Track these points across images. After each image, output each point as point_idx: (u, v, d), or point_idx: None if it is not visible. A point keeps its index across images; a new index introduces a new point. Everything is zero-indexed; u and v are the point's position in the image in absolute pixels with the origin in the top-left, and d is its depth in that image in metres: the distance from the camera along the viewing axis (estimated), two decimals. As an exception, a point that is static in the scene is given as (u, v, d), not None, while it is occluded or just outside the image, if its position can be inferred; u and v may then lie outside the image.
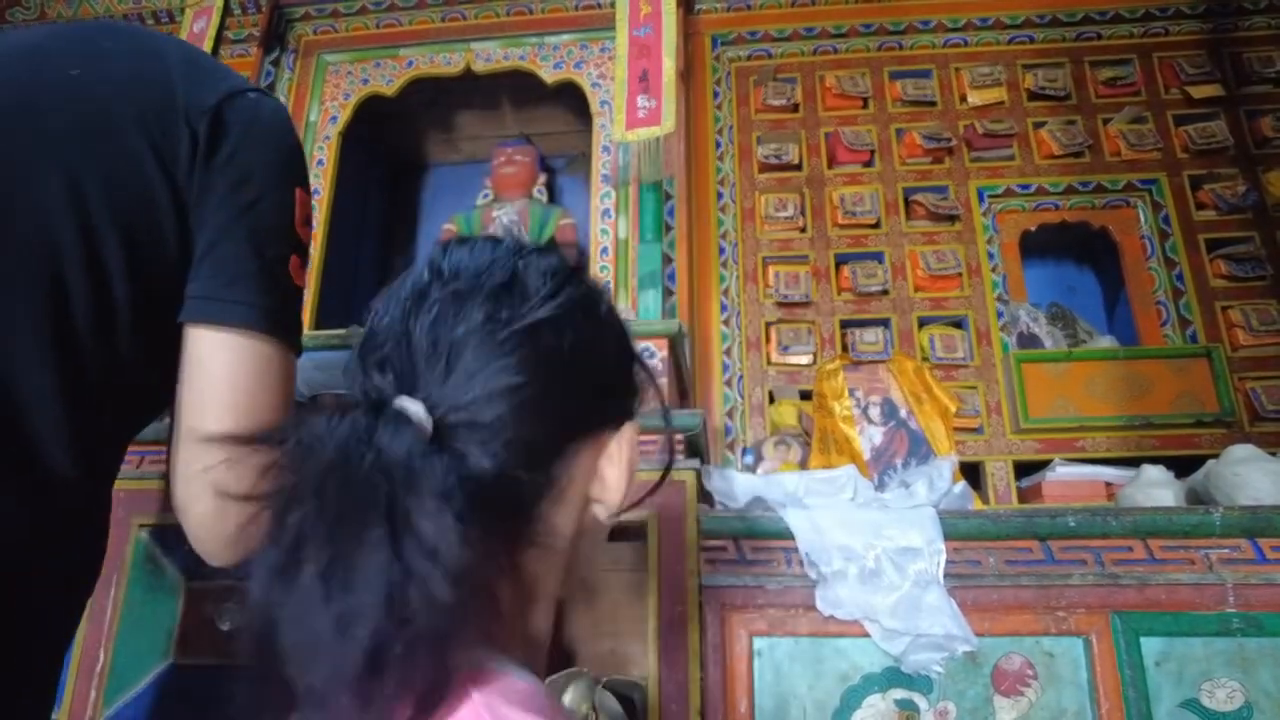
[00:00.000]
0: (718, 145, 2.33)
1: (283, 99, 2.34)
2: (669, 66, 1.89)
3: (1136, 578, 1.27)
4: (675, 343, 1.64)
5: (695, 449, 1.44)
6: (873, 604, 1.25)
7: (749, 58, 2.42)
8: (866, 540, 1.28)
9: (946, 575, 1.27)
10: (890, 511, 1.33)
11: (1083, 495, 1.77)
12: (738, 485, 1.48)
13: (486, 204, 2.57)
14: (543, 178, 2.63)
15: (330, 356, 1.66)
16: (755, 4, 2.40)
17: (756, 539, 1.33)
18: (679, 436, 1.40)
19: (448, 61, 2.35)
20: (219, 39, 2.18)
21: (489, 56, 2.33)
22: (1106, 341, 2.13)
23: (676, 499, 1.34)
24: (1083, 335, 2.17)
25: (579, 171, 2.74)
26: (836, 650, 1.26)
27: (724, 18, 2.42)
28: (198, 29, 2.17)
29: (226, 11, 2.26)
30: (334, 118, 2.33)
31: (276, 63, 2.38)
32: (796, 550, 1.30)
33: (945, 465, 1.59)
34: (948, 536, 1.28)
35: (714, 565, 1.32)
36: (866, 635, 1.25)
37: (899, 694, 1.24)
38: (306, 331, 2.07)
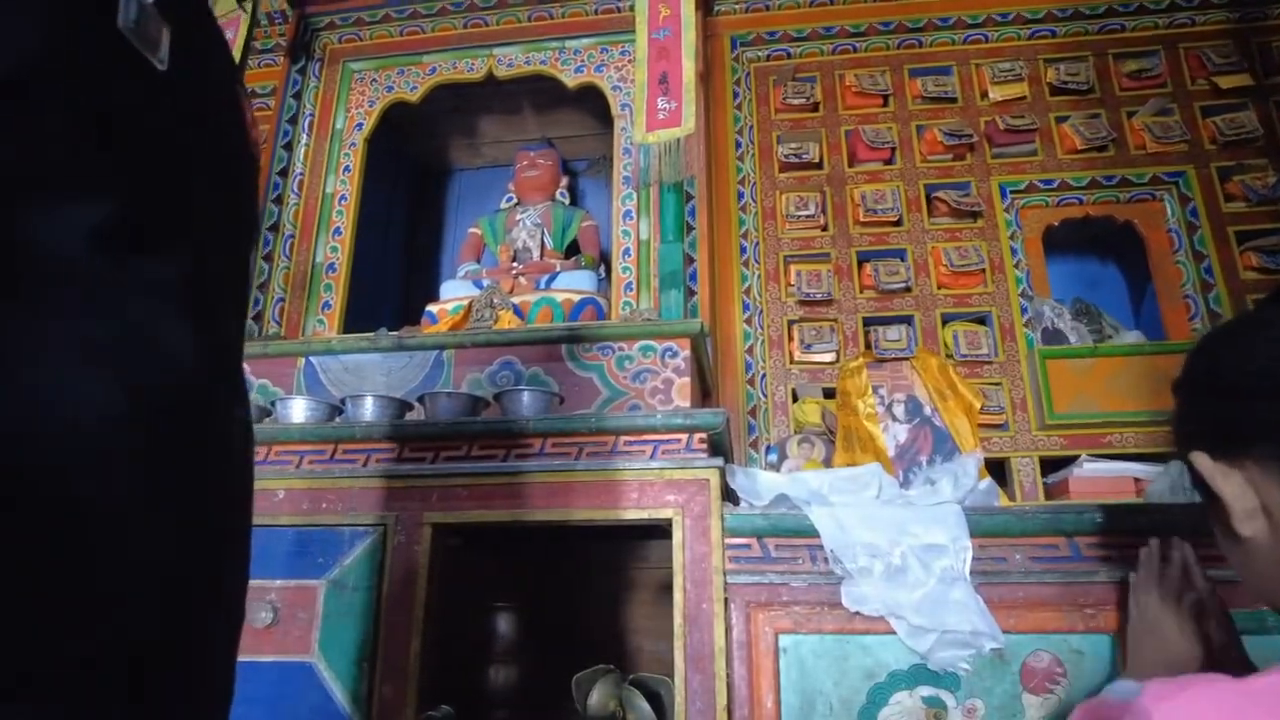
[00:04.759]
0: (738, 145, 2.34)
1: (309, 107, 2.39)
2: (688, 68, 1.90)
3: (1166, 574, 1.26)
4: (697, 342, 1.65)
5: (719, 447, 1.45)
6: (898, 600, 1.25)
7: (768, 58, 2.43)
8: (891, 537, 1.29)
9: (973, 572, 1.26)
10: (915, 508, 1.33)
11: (1110, 491, 1.76)
12: (762, 483, 1.48)
13: (510, 207, 2.60)
14: (565, 180, 2.66)
15: (360, 359, 1.68)
16: (774, 4, 2.41)
17: (781, 536, 1.33)
18: (701, 435, 1.41)
19: (470, 67, 2.38)
20: (246, 49, 2.22)
21: (511, 62, 2.36)
22: (1132, 337, 2.10)
23: (701, 497, 1.36)
24: (1108, 330, 2.15)
25: (600, 174, 2.76)
26: (862, 647, 1.27)
27: (743, 18, 2.43)
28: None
29: (254, 22, 2.31)
30: (359, 124, 2.37)
31: (303, 71, 2.43)
32: (821, 547, 1.30)
33: (970, 462, 1.58)
34: (973, 533, 1.28)
35: (739, 563, 1.33)
36: (892, 632, 1.25)
37: (926, 691, 1.24)
38: (334, 335, 2.12)
